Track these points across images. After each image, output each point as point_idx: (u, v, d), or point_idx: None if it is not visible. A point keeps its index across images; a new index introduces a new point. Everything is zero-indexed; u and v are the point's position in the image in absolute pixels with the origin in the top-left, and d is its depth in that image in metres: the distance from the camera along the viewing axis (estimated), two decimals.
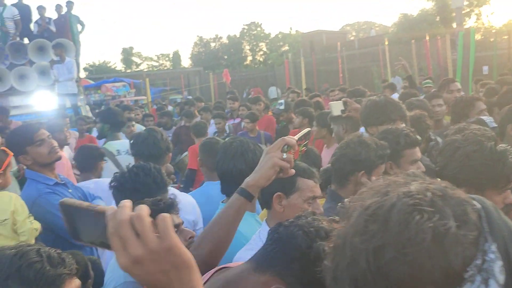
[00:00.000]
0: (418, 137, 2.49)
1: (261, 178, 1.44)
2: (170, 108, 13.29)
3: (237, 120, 7.86)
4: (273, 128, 7.06)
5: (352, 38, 47.00)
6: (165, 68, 56.69)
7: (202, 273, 1.48)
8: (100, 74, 35.18)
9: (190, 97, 17.68)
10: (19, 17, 10.51)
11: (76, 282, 1.20)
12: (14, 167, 3.07)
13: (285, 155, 1.45)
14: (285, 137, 1.49)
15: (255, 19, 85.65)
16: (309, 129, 1.74)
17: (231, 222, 1.45)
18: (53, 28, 11.14)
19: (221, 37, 58.19)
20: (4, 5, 10.34)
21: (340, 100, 3.55)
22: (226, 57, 53.83)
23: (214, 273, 1.28)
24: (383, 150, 2.24)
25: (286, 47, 49.85)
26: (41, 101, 10.17)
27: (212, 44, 57.56)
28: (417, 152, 2.42)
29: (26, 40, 10.92)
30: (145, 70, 48.77)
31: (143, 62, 59.09)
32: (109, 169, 3.90)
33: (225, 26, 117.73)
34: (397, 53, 19.79)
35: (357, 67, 23.40)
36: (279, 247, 1.07)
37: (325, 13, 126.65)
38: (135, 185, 2.18)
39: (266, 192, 1.51)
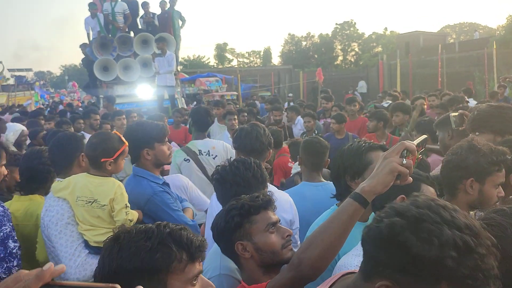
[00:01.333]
0: None
1: (378, 184, 1.36)
2: (258, 104, 13.43)
3: (329, 120, 7.76)
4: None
5: (452, 40, 44.32)
6: (255, 65, 57.61)
7: (308, 277, 1.44)
8: (194, 69, 36.61)
9: (290, 94, 17.70)
10: (128, 12, 11.24)
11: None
12: None
13: (405, 161, 1.36)
14: (405, 142, 1.40)
15: (348, 18, 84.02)
16: (425, 136, 1.62)
17: (343, 228, 1.39)
18: (156, 22, 11.77)
19: (312, 36, 57.87)
20: (116, 0, 11.11)
21: (458, 112, 3.32)
22: (316, 56, 53.42)
23: (340, 277, 1.23)
24: (499, 156, 2.01)
25: (379, 48, 48.28)
26: (142, 91, 10.81)
27: (303, 43, 57.41)
28: None
29: (132, 34, 11.65)
30: (236, 66, 49.95)
31: (235, 58, 60.52)
32: (190, 168, 3.98)
33: (317, 25, 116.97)
34: (505, 58, 18.29)
35: (456, 72, 21.97)
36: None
37: (423, 14, 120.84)
38: (235, 179, 2.19)
39: (385, 195, 1.41)
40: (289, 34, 58.30)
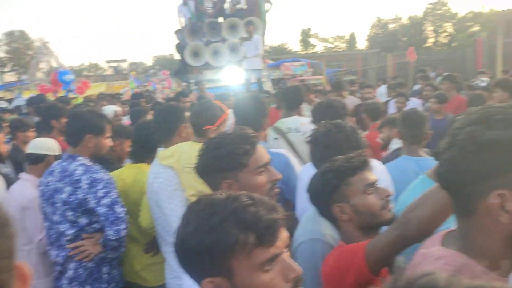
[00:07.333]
0: None
1: None
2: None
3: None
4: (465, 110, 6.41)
5: None
6: (340, 50, 56.46)
7: (413, 238, 1.41)
8: (277, 55, 36.70)
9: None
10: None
11: (286, 232, 1.10)
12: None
13: None
14: None
15: None
16: None
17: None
18: (243, 6, 11.91)
19: (401, 18, 55.39)
20: None
21: None
22: (405, 38, 51.02)
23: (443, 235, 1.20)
24: None
25: (476, 28, 44.81)
26: (231, 75, 11.09)
27: (391, 25, 55.13)
28: None
29: (221, 19, 11.96)
30: (321, 51, 49.28)
31: (320, 43, 59.81)
32: (279, 146, 3.88)
33: (406, 6, 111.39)
34: None
35: None
36: None
37: None
38: (325, 140, 2.15)
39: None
40: (376, 18, 56.42)
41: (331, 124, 2.21)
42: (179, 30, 12.06)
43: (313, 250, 1.86)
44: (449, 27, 50.73)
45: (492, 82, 6.39)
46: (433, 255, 1.09)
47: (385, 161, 3.68)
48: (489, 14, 42.99)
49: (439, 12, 51.06)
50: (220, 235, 1.02)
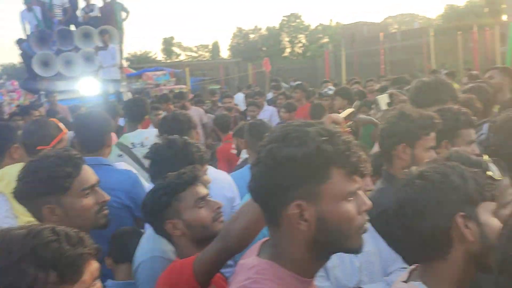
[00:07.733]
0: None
1: None
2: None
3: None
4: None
5: (394, 30, 45.90)
6: (204, 59, 57.22)
7: (234, 249, 1.46)
8: (141, 64, 35.82)
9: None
10: (68, 5, 10.85)
11: (95, 264, 1.09)
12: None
13: None
14: (331, 115, 1.46)
15: (295, 11, 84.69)
16: (353, 109, 1.70)
17: None
18: (97, 14, 11.38)
19: (260, 28, 58.20)
20: None
21: (386, 93, 3.43)
22: (265, 48, 53.71)
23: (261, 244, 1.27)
24: (427, 120, 2.07)
25: (326, 40, 49.18)
26: (86, 86, 10.46)
27: (251, 36, 57.60)
28: (473, 133, 2.29)
29: (73, 27, 11.26)
30: (185, 60, 49.41)
31: (183, 52, 59.89)
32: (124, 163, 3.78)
33: (264, 17, 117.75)
34: (443, 45, 19.20)
35: (399, 60, 22.80)
36: None
37: (366, 5, 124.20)
38: (154, 157, 2.15)
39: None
40: (237, 28, 58.43)
41: (164, 139, 2.20)
42: (22, 39, 11.04)
43: (152, 268, 1.83)
44: (303, 39, 54.80)
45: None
46: (247, 265, 1.15)
47: (235, 170, 3.81)
48: (336, 27, 47.60)
49: (293, 24, 54.87)
50: (16, 276, 0.96)
